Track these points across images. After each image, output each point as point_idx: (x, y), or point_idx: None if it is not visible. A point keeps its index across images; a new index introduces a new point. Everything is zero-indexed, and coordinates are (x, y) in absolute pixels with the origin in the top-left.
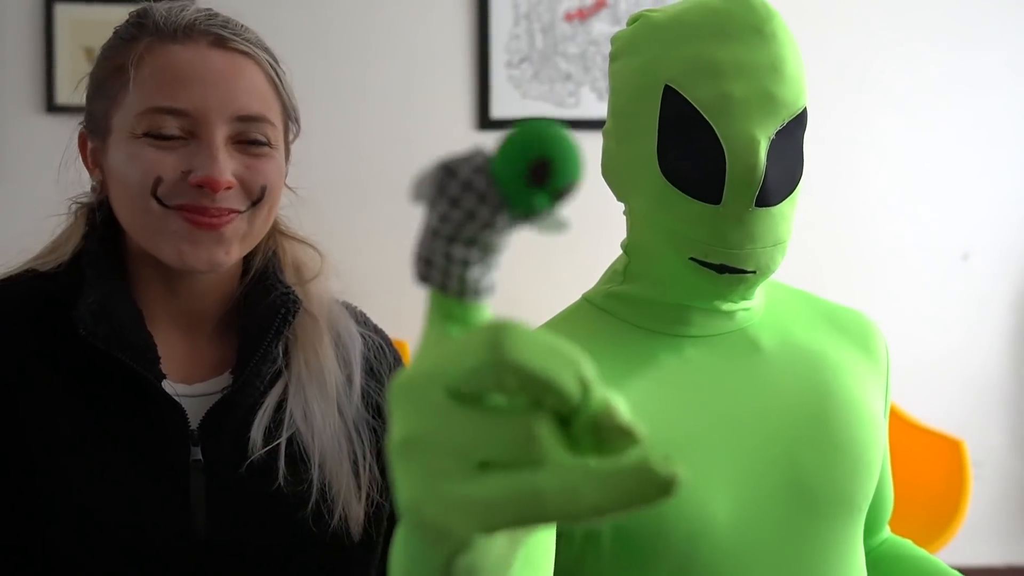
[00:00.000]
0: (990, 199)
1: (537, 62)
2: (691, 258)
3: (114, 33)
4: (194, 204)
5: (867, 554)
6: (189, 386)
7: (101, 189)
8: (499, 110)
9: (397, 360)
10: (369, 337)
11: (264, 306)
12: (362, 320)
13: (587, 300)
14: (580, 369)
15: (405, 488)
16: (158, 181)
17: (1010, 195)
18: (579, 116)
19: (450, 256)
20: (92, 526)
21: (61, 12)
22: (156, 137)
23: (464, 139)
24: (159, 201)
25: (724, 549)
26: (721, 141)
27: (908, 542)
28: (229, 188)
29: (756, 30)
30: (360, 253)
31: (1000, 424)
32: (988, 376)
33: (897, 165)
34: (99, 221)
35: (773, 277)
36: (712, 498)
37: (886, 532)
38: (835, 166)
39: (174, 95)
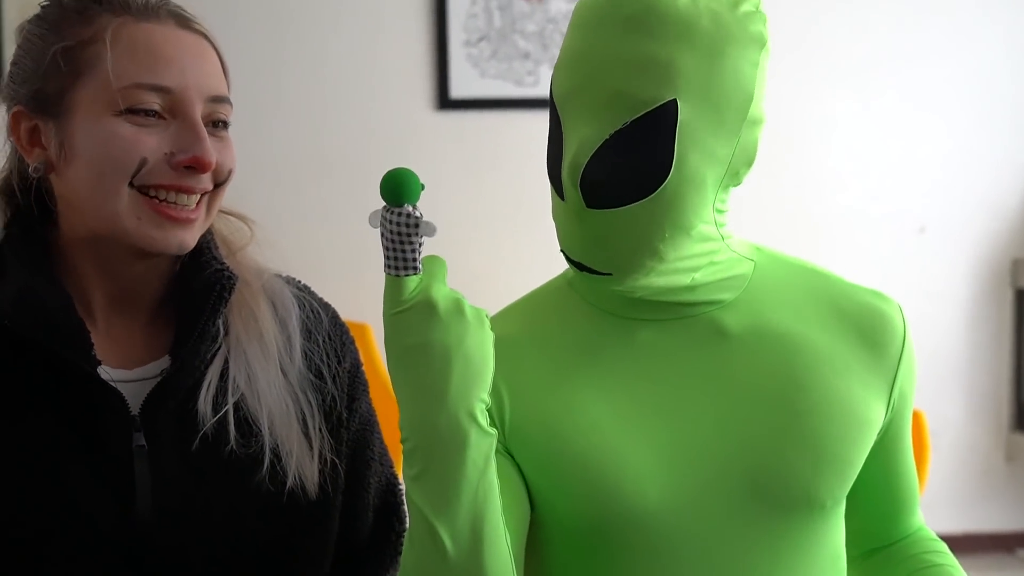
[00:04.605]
0: (944, 172)
1: (495, 40)
2: (561, 250)
3: (55, 7)
4: (176, 184)
5: (881, 549)
6: (129, 371)
7: (46, 170)
8: (458, 90)
9: (335, 325)
10: (304, 300)
11: (199, 284)
12: (301, 288)
13: (564, 275)
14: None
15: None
16: (143, 163)
17: (963, 167)
18: (538, 95)
19: (398, 255)
20: (26, 522)
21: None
22: (136, 114)
23: (424, 120)
24: (133, 186)
25: (662, 536)
26: (563, 136)
27: (931, 541)
28: (211, 169)
29: (628, 21)
30: (320, 233)
31: (957, 395)
32: (945, 347)
33: (849, 140)
34: (22, 205)
35: (785, 251)
36: (648, 484)
37: (911, 527)
38: (788, 141)
39: (157, 72)
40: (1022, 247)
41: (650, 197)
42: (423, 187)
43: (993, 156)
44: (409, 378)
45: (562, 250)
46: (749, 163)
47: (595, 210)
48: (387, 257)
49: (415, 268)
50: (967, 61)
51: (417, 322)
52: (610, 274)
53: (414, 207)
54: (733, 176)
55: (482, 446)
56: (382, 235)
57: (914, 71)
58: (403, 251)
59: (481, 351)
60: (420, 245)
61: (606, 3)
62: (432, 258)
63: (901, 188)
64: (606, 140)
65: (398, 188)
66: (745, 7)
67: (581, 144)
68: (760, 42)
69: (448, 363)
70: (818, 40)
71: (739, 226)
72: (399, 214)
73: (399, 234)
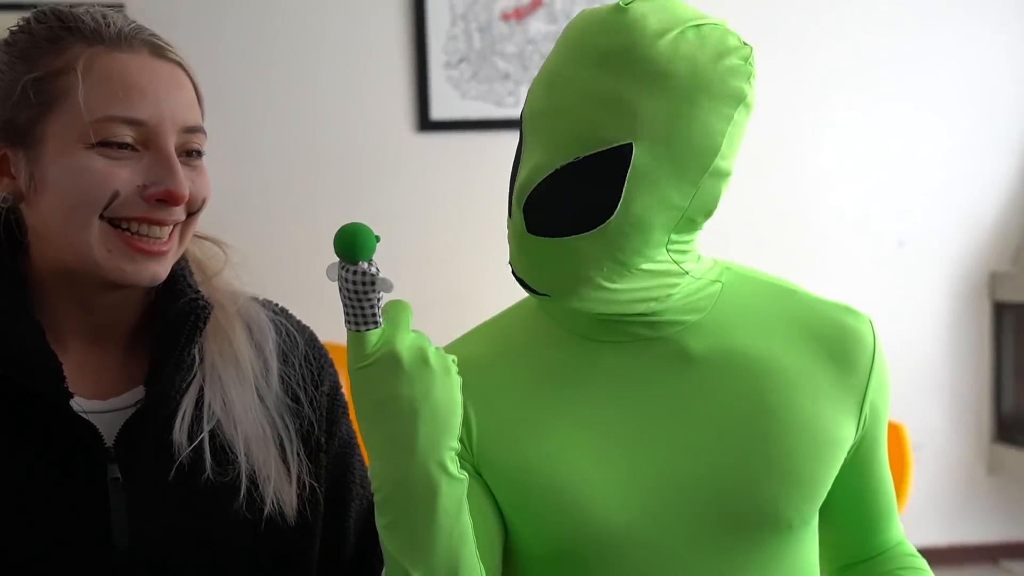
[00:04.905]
0: (924, 186)
1: (475, 62)
2: (509, 262)
3: (25, 34)
4: (148, 216)
5: (858, 564)
6: (103, 402)
7: (15, 200)
8: (439, 111)
9: (312, 348)
10: (281, 324)
11: (173, 314)
12: (277, 311)
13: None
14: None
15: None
16: (115, 196)
17: (943, 182)
18: (518, 116)
19: (357, 311)
20: (2, 552)
21: None
22: (109, 146)
23: (405, 141)
24: (104, 218)
25: (629, 559)
26: (522, 155)
27: (909, 557)
28: (184, 201)
29: (603, 56)
30: (301, 257)
31: (938, 407)
32: (925, 359)
33: (839, 145)
34: None
35: (756, 267)
36: (614, 508)
37: (889, 541)
38: (780, 149)
39: (131, 105)
40: (999, 260)
41: (590, 232)
42: (378, 239)
43: (972, 168)
44: (377, 431)
45: (510, 262)
46: (708, 214)
47: (534, 236)
48: (347, 313)
49: (375, 322)
50: (963, 68)
51: (382, 376)
52: (548, 295)
53: (370, 263)
54: (689, 223)
55: (454, 494)
56: (340, 291)
57: (908, 80)
58: (362, 307)
59: (448, 399)
60: (379, 300)
61: (589, 33)
62: (395, 304)
63: (882, 201)
64: (557, 169)
65: (351, 246)
66: (730, 61)
67: (533, 168)
68: (738, 97)
69: (415, 415)
70: (818, 41)
71: (729, 225)
72: (354, 272)
73: (356, 292)
